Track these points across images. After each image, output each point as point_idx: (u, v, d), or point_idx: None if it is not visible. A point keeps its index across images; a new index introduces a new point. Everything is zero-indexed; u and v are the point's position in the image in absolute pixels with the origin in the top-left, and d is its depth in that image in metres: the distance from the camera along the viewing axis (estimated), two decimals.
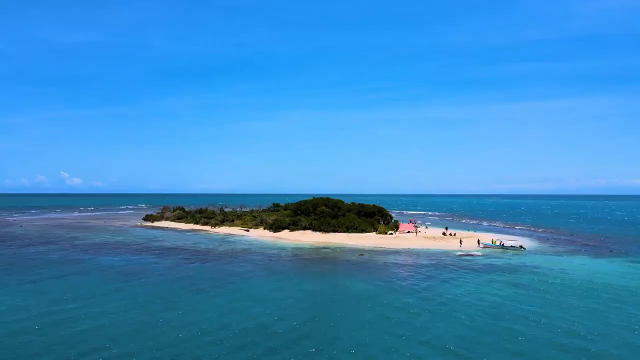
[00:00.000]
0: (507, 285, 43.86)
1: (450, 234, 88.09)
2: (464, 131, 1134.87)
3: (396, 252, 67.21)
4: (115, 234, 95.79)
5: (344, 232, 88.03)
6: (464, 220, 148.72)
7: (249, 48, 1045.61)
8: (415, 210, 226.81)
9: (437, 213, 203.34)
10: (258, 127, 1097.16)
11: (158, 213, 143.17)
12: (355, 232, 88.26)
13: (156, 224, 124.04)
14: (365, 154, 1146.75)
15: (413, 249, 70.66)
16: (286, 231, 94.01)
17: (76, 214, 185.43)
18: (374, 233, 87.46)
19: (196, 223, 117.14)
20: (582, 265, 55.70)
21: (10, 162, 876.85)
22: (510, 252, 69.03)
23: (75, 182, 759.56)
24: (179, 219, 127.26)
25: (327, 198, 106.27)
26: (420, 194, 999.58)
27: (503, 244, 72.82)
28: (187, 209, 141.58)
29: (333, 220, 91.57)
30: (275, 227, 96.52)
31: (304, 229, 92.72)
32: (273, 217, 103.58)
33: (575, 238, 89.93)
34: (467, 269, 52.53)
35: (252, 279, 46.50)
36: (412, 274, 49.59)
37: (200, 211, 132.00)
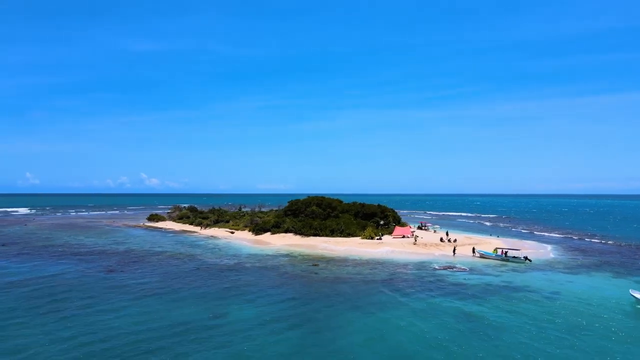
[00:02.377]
0: (457, 319, 31.42)
1: (449, 240, 73.99)
2: (530, 128, 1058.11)
3: (360, 263, 55.65)
4: (97, 234, 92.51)
5: (327, 235, 77.28)
6: (501, 225, 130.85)
7: (306, 49, 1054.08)
8: (449, 211, 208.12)
9: (468, 214, 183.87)
10: (318, 127, 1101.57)
11: (167, 213, 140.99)
12: (340, 236, 77.15)
13: (155, 224, 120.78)
14: (423, 154, 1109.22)
15: (386, 259, 58.54)
16: (268, 234, 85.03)
17: (95, 213, 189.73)
18: (359, 237, 75.69)
19: (191, 224, 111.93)
20: (590, 290, 41.10)
21: (96, 164, 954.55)
22: (511, 264, 54.83)
23: (153, 183, 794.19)
24: (180, 219, 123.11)
25: (322, 197, 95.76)
26: (485, 194, 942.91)
27: (506, 254, 58.37)
28: (198, 209, 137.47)
29: (317, 223, 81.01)
30: (257, 230, 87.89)
31: (286, 231, 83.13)
32: (262, 219, 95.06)
33: (616, 249, 72.14)
34: (423, 291, 40.28)
35: (118, 297, 37.91)
36: (338, 296, 38.37)
37: (202, 212, 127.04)
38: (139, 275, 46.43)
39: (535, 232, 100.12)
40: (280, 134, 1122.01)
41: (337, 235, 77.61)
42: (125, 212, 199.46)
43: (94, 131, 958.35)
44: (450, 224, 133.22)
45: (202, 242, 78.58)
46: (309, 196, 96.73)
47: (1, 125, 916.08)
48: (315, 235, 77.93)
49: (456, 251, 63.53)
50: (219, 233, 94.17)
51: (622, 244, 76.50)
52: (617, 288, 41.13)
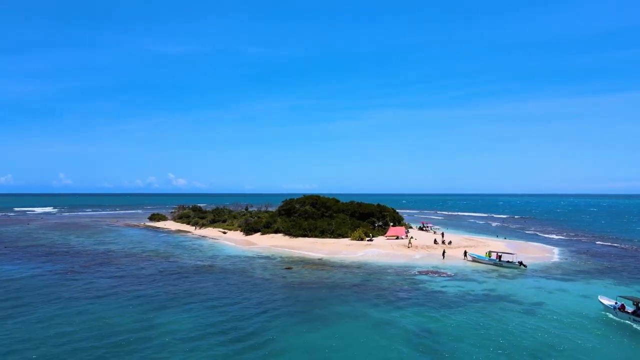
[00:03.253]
0: (415, 336, 27.54)
1: (443, 242, 69.13)
2: (563, 126, 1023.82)
3: (338, 266, 51.90)
4: (90, 234, 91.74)
5: (316, 236, 73.68)
6: (512, 226, 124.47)
7: (331, 49, 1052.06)
8: (463, 211, 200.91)
9: (480, 214, 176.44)
10: (343, 126, 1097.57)
11: (171, 212, 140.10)
12: (330, 237, 73.40)
13: (155, 223, 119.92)
14: (449, 153, 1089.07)
15: (367, 262, 54.57)
16: (258, 234, 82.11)
17: (107, 212, 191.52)
18: (348, 239, 71.72)
19: (188, 224, 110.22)
20: (579, 300, 36.32)
21: (126, 165, 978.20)
22: (504, 270, 50.01)
23: (180, 183, 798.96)
24: (179, 218, 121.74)
25: (317, 196, 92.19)
26: (514, 194, 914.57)
27: (500, 258, 53.41)
28: (203, 209, 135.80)
29: (306, 223, 77.49)
30: (248, 230, 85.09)
31: (276, 231, 79.98)
32: (254, 219, 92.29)
33: (630, 253, 65.98)
34: (392, 300, 36.42)
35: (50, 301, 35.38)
36: (292, 306, 34.88)
37: (204, 211, 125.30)
38: (94, 278, 44.04)
39: (545, 234, 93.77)
40: (306, 133, 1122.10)
41: (327, 236, 73.92)
42: (139, 211, 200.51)
43: (124, 132, 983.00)
44: (459, 224, 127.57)
45: (188, 243, 76.27)
46: (306, 195, 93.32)
47: (36, 128, 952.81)
48: (303, 236, 74.46)
49: (448, 254, 58.88)
50: (211, 233, 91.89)
51: (639, 249, 69.96)
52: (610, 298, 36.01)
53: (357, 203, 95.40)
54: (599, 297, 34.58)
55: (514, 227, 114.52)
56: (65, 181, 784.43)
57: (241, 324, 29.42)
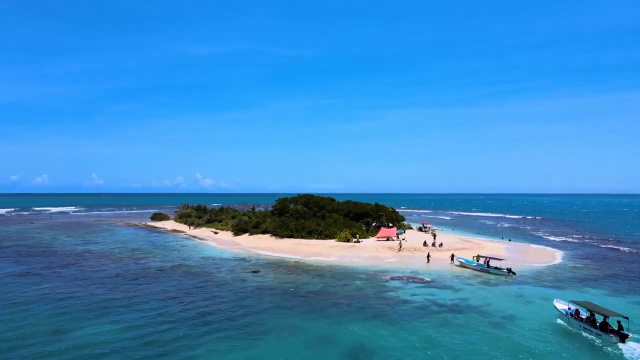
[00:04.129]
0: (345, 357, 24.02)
1: (433, 244, 64.54)
2: (603, 123, 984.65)
3: (309, 269, 48.55)
4: (82, 233, 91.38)
5: (303, 237, 70.33)
6: (521, 227, 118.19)
7: (356, 48, 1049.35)
8: (478, 212, 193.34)
9: (493, 214, 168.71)
10: (369, 126, 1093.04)
11: (175, 212, 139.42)
12: (318, 238, 69.90)
13: (154, 223, 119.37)
14: (479, 152, 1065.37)
15: (342, 265, 51.02)
16: (246, 235, 79.46)
17: (118, 212, 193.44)
18: (334, 240, 68.03)
19: (185, 223, 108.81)
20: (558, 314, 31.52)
21: (155, 165, 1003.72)
22: (490, 276, 45.51)
23: (207, 183, 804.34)
24: (180, 218, 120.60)
25: (310, 195, 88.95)
26: (545, 194, 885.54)
27: (488, 263, 48.74)
28: (207, 209, 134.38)
29: (293, 223, 74.24)
30: (237, 230, 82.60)
31: (264, 232, 77.12)
32: (244, 219, 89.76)
33: (636, 258, 59.91)
34: (344, 313, 33.04)
35: None
36: (229, 320, 31.74)
37: (208, 210, 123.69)
38: (46, 281, 42.14)
39: (554, 236, 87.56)
40: (330, 133, 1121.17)
41: (314, 237, 70.45)
42: (154, 211, 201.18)
43: (153, 133, 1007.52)
44: (469, 224, 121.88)
45: (173, 243, 74.30)
46: (299, 194, 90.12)
47: (70, 130, 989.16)
48: (290, 236, 71.25)
49: (435, 257, 54.68)
50: (203, 233, 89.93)
51: None
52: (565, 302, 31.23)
53: (354, 202, 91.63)
54: (554, 301, 31.61)
55: (526, 228, 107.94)
56: (97, 181, 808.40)
57: (165, 336, 26.49)
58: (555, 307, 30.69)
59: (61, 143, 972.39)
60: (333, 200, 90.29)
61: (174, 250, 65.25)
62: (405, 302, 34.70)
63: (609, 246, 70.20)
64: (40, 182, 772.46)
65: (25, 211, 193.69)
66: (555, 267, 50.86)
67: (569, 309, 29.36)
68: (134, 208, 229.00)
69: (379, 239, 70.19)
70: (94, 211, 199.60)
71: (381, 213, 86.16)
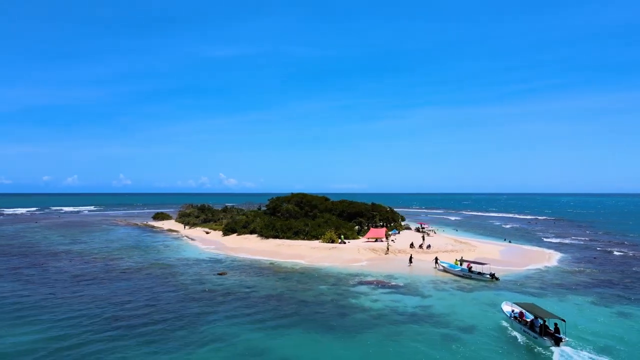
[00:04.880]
0: None
1: (420, 246, 60.97)
2: (628, 120, 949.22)
3: (278, 272, 46.12)
4: (77, 233, 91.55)
5: (289, 237, 67.88)
6: (534, 228, 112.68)
7: (378, 48, 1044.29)
8: (489, 212, 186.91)
9: (504, 214, 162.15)
10: (392, 125, 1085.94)
11: (180, 211, 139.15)
12: (304, 239, 67.30)
13: (154, 223, 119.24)
14: (503, 150, 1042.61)
15: (315, 267, 48.40)
16: (234, 235, 77.59)
17: (129, 211, 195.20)
18: (318, 241, 65.27)
19: (182, 223, 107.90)
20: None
21: (180, 166, 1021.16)
22: (472, 282, 42.06)
23: (231, 183, 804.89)
24: (180, 217, 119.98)
25: (303, 194, 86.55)
26: (570, 193, 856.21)
27: (470, 268, 45.15)
28: (212, 208, 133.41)
29: (279, 223, 71.89)
30: (226, 230, 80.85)
31: (252, 232, 75.05)
32: (239, 218, 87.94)
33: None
34: (288, 319, 30.49)
35: None
36: (170, 320, 29.55)
37: (211, 210, 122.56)
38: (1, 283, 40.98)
39: (560, 238, 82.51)
40: (354, 132, 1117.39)
41: (300, 237, 67.91)
42: (162, 210, 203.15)
43: (179, 134, 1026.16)
44: (474, 224, 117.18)
45: (158, 243, 73.02)
46: (293, 193, 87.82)
47: (98, 131, 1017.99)
48: (275, 237, 68.93)
49: (419, 259, 51.66)
50: (195, 233, 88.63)
51: None
52: (578, 318, 27.65)
53: (348, 202, 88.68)
54: (502, 303, 30.57)
55: (534, 229, 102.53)
56: (124, 182, 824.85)
57: (72, 344, 24.41)
58: (502, 309, 29.55)
59: (90, 144, 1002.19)
60: (327, 199, 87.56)
61: (155, 250, 63.83)
62: (363, 309, 31.79)
63: (616, 249, 65.09)
64: (71, 182, 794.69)
65: (43, 210, 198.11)
66: (547, 271, 46.85)
67: (513, 311, 28.49)
68: (147, 207, 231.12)
69: (369, 239, 67.12)
70: (108, 211, 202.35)
71: (375, 213, 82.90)
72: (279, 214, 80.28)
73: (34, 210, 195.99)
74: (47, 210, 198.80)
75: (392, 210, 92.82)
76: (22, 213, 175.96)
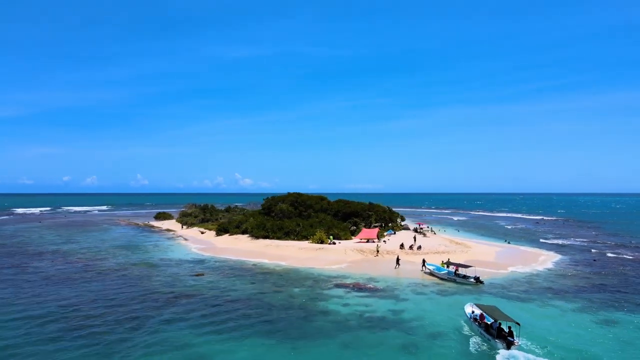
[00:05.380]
0: None
1: (410, 247, 58.86)
2: None
3: (258, 274, 44.77)
4: (74, 233, 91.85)
5: (279, 238, 66.53)
6: (534, 228, 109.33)
7: (396, 46, 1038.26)
8: (500, 212, 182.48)
9: (513, 215, 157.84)
10: (410, 125, 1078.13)
11: (181, 211, 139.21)
12: (295, 239, 65.84)
13: (153, 222, 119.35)
14: (525, 149, 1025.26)
15: (295, 269, 46.98)
16: (226, 235, 76.65)
17: (133, 211, 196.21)
18: (307, 242, 63.72)
19: (181, 223, 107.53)
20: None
21: (196, 166, 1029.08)
22: (456, 285, 40.08)
23: (246, 183, 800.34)
24: (181, 217, 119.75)
25: (298, 194, 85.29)
26: (595, 193, 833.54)
27: (457, 272, 43.01)
28: (215, 208, 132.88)
29: (270, 223, 70.63)
30: (219, 230, 79.96)
31: (243, 232, 73.97)
32: (234, 218, 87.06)
33: None
34: (249, 325, 29.19)
35: None
36: (116, 323, 28.40)
37: (215, 210, 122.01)
38: None
39: (564, 239, 79.39)
40: (370, 133, 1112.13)
41: (291, 238, 66.50)
42: (169, 210, 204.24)
43: (195, 135, 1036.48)
44: (479, 225, 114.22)
45: (150, 243, 72.44)
46: (290, 193, 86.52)
47: (115, 132, 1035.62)
48: (265, 237, 67.68)
49: (407, 260, 49.87)
50: (190, 233, 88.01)
51: None
52: (552, 325, 25.59)
53: (345, 202, 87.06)
54: (466, 305, 29.70)
55: (539, 229, 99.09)
56: (142, 182, 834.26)
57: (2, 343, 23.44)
58: (464, 311, 28.92)
59: (109, 145, 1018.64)
60: (323, 199, 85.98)
61: (142, 250, 63.16)
62: (329, 314, 30.18)
63: (620, 251, 61.97)
64: (90, 182, 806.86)
65: (55, 210, 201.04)
66: (538, 274, 44.44)
67: (473, 312, 27.94)
68: (157, 207, 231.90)
69: (360, 240, 65.34)
70: (117, 211, 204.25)
71: (371, 213, 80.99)
72: (273, 214, 79.06)
73: (47, 210, 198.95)
74: (58, 210, 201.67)
75: (390, 210, 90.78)
76: (32, 213, 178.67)
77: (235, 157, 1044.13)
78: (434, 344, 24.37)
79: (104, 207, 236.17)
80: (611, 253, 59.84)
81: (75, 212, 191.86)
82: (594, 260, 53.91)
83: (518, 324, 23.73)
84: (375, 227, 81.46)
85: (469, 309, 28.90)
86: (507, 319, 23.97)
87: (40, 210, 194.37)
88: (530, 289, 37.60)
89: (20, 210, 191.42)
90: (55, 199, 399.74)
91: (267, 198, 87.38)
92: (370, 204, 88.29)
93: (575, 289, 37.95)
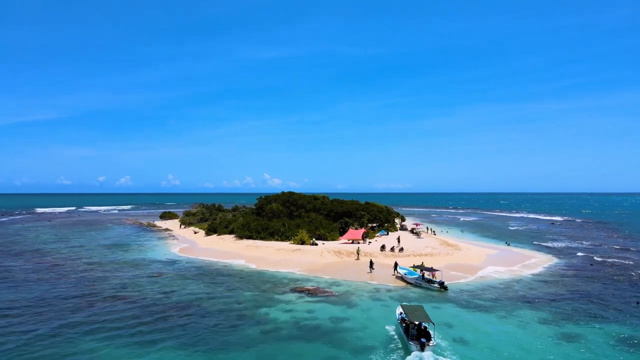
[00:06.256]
0: None
1: (392, 249, 55.80)
2: None
3: (222, 275, 43.05)
4: (75, 232, 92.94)
5: (263, 238, 64.75)
6: (543, 228, 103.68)
7: (424, 45, 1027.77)
8: (520, 212, 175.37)
9: (532, 215, 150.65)
10: (438, 123, 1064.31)
11: (186, 210, 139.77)
12: (279, 240, 63.89)
13: (156, 221, 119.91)
14: (559, 147, 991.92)
15: (261, 271, 44.89)
16: (214, 235, 75.51)
17: (147, 211, 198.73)
18: (288, 242, 61.59)
19: (181, 222, 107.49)
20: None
21: (226, 166, 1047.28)
22: (421, 290, 37.20)
23: (275, 183, 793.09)
24: (184, 217, 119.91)
25: (291, 193, 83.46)
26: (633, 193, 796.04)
27: (423, 276, 40.01)
28: (220, 208, 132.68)
29: (255, 223, 68.92)
30: (208, 230, 78.99)
31: (231, 232, 72.63)
32: (226, 217, 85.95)
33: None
34: (177, 335, 27.30)
35: None
36: (33, 330, 27.14)
37: (219, 209, 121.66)
38: None
39: (568, 241, 74.34)
40: (399, 132, 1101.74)
41: (275, 238, 64.57)
42: (181, 210, 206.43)
43: (226, 135, 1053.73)
44: (487, 226, 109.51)
45: (138, 243, 72.13)
46: (283, 192, 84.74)
47: (148, 134, 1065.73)
48: (249, 237, 66.02)
49: (382, 264, 46.87)
50: (184, 233, 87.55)
51: None
52: (501, 336, 22.61)
53: (339, 201, 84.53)
54: (397, 306, 28.84)
55: (550, 230, 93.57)
56: (173, 182, 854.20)
57: None
58: (396, 312, 27.92)
59: (141, 146, 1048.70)
60: (316, 198, 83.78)
61: (124, 250, 62.71)
62: (264, 322, 28.03)
63: (625, 256, 57.00)
64: (124, 182, 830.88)
65: (76, 210, 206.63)
66: (519, 280, 40.81)
67: (400, 313, 26.74)
68: (175, 207, 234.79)
69: (347, 241, 62.80)
70: (133, 210, 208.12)
71: (364, 212, 78.08)
72: (264, 214, 77.44)
73: (69, 210, 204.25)
74: (80, 210, 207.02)
75: (387, 210, 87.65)
76: (51, 212, 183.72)
77: (264, 157, 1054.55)
78: (356, 355, 21.91)
79: (126, 207, 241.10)
80: (614, 258, 55.01)
81: (90, 211, 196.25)
82: (591, 265, 49.55)
83: (433, 323, 23.39)
84: (372, 227, 78.74)
85: (398, 309, 27.79)
86: (424, 319, 23.16)
87: (63, 210, 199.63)
88: (502, 297, 34.27)
89: (40, 210, 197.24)
90: (84, 199, 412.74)
91: (260, 197, 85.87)
92: (367, 203, 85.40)
93: (551, 297, 34.34)
